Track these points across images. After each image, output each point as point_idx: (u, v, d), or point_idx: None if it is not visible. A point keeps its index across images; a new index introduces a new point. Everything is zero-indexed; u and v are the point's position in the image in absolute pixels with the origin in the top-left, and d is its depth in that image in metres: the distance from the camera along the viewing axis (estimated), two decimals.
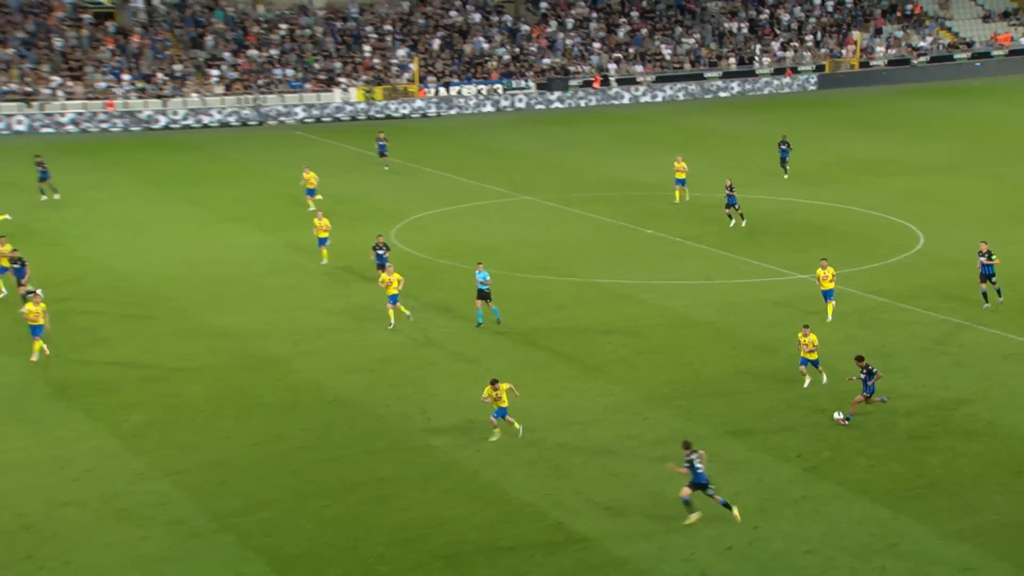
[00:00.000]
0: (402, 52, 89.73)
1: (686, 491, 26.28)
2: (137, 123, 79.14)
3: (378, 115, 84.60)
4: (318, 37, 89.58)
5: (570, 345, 38.01)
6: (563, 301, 42.65)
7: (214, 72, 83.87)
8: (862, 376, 31.05)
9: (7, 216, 50.52)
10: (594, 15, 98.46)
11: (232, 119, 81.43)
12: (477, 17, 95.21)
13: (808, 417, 31.99)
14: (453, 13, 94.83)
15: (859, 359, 31.31)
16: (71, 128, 77.51)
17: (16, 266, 41.61)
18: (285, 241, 50.50)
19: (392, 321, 38.91)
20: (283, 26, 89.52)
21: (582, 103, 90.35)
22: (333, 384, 34.98)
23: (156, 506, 27.64)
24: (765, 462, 29.81)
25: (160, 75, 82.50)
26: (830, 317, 39.24)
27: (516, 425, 30.90)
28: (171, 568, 25.12)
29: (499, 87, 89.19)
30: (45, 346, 36.32)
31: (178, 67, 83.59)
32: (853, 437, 30.81)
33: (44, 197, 56.37)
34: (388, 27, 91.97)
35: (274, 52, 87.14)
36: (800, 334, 33.59)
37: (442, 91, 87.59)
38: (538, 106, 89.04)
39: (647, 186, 57.97)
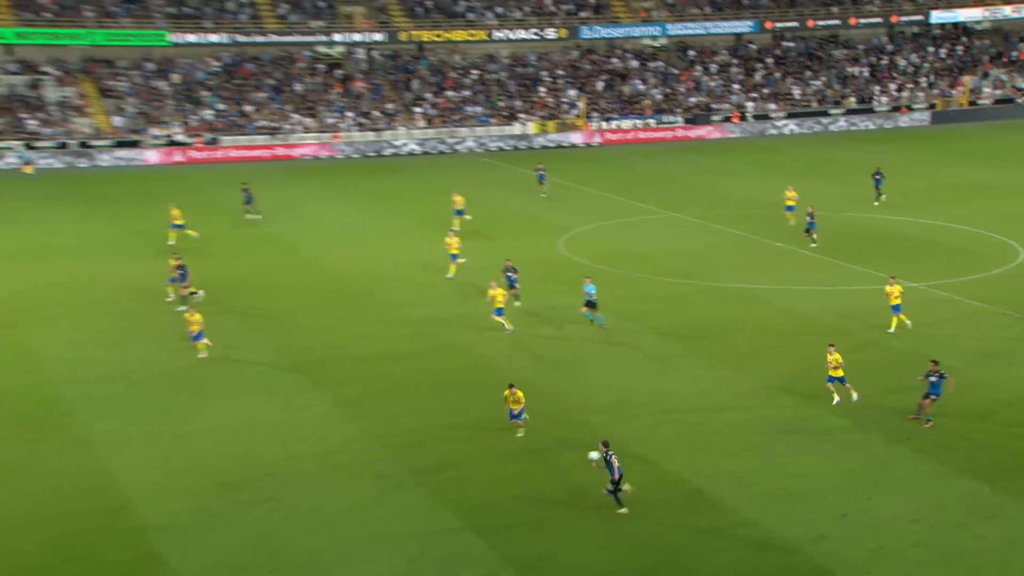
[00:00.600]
0: (571, 92, 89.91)
1: (610, 487, 25.57)
2: (357, 151, 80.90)
3: (550, 144, 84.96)
4: (503, 80, 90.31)
5: (707, 339, 37.74)
6: (702, 302, 42.35)
7: (418, 110, 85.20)
8: (933, 379, 29.75)
9: (195, 233, 51.00)
10: (734, 61, 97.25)
11: (431, 148, 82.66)
12: (635, 63, 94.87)
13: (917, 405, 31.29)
14: (614, 60, 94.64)
15: (934, 363, 30.12)
16: (307, 155, 79.61)
17: (180, 272, 41.23)
18: (475, 248, 50.93)
19: (509, 327, 38.30)
20: (474, 72, 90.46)
21: (722, 135, 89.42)
22: (509, 367, 35.28)
23: (366, 462, 28.33)
24: (878, 442, 29.23)
25: (376, 112, 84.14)
26: (892, 329, 37.64)
27: (526, 416, 30.01)
28: (379, 512, 25.74)
29: (652, 121, 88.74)
30: (208, 342, 36.05)
31: (390, 106, 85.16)
32: (957, 423, 29.98)
33: (248, 217, 56.46)
34: (560, 72, 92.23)
35: (466, 93, 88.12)
36: (827, 353, 31.89)
37: (604, 124, 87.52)
38: (685, 137, 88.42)
39: (776, 205, 57.06)
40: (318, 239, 53.31)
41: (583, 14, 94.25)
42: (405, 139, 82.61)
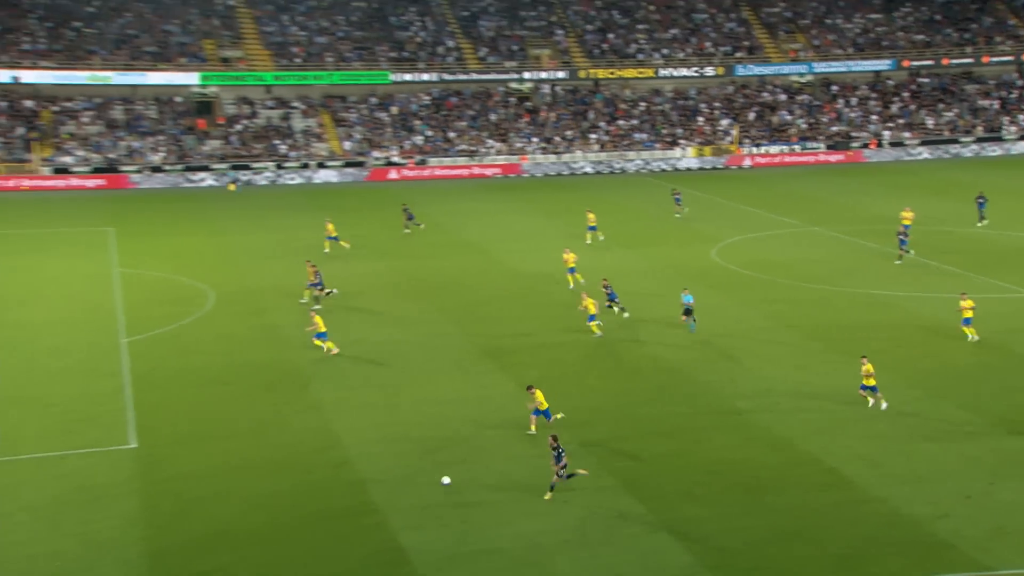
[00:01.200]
0: (725, 121, 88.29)
1: (556, 479, 24.59)
2: (540, 171, 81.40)
3: (706, 166, 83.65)
4: (666, 111, 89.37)
5: (842, 339, 36.51)
6: (839, 306, 41.00)
7: (593, 136, 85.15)
8: None
9: (347, 244, 50.54)
10: (873, 95, 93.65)
11: (603, 169, 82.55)
12: (783, 97, 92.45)
13: None
14: (765, 94, 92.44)
15: None
16: (498, 174, 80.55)
17: (316, 278, 40.88)
18: (640, 254, 50.80)
19: (598, 332, 37.05)
20: (642, 104, 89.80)
21: (860, 160, 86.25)
22: (667, 357, 34.94)
23: (544, 434, 28.51)
24: (999, 433, 27.79)
25: (557, 138, 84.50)
26: (970, 338, 35.42)
27: (559, 415, 28.83)
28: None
29: (797, 147, 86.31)
30: (330, 345, 35.02)
31: (568, 133, 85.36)
32: None
33: (407, 231, 55.47)
34: (717, 104, 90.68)
35: (634, 122, 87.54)
36: (860, 364, 30.08)
37: (754, 149, 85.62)
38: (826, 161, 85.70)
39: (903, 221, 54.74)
40: (505, 244, 53.75)
41: (738, 54, 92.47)
42: (581, 161, 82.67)
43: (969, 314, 35.62)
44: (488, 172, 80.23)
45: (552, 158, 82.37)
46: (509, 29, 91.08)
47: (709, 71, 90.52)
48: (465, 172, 79.74)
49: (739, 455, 26.69)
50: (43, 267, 47.74)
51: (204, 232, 56.68)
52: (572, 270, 43.71)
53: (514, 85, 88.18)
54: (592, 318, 37.18)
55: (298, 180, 76.70)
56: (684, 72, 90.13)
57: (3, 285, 44.24)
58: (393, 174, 78.44)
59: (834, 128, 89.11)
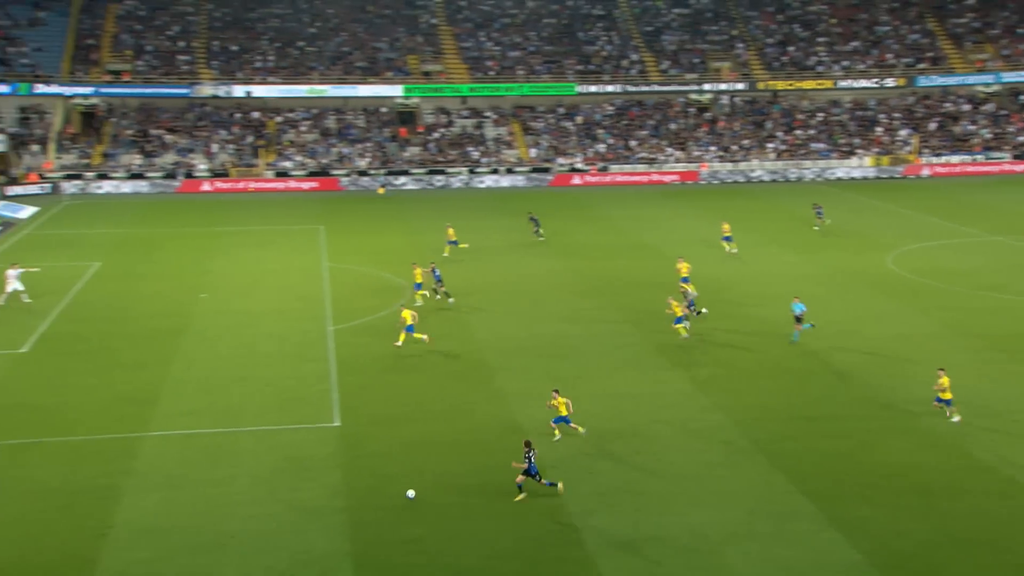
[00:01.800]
0: (904, 132, 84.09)
1: (520, 478, 23.56)
2: (716, 179, 79.98)
3: (883, 175, 79.92)
4: (844, 122, 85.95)
5: (1020, 348, 34.31)
6: (1012, 312, 38.39)
7: (770, 145, 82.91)
8: None
9: (466, 244, 50.20)
10: None
11: (779, 177, 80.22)
12: (967, 107, 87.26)
13: None
14: (947, 104, 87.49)
15: None
16: (675, 181, 79.63)
17: (436, 277, 41.13)
18: (814, 260, 49.11)
19: (685, 335, 35.94)
20: (820, 114, 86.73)
21: None
22: (840, 360, 33.62)
23: (714, 430, 28.00)
24: None
25: (734, 147, 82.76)
26: None
27: (581, 429, 27.53)
28: (722, 471, 25.40)
29: (980, 157, 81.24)
30: (418, 336, 35.08)
31: (745, 142, 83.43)
32: None
33: (539, 238, 54.18)
34: (896, 115, 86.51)
35: (812, 132, 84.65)
36: (937, 377, 28.14)
37: (933, 159, 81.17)
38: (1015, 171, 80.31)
39: None
40: (682, 248, 52.88)
41: (921, 65, 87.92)
42: (758, 169, 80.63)
43: None
44: (667, 179, 79.46)
45: (729, 166, 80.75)
46: (691, 43, 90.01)
47: (890, 82, 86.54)
48: (644, 179, 79.29)
49: (912, 459, 25.44)
50: (263, 261, 50.46)
51: (402, 231, 58.52)
52: (686, 279, 41.94)
53: (694, 96, 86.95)
54: (679, 320, 36.19)
55: (487, 184, 78.11)
56: (864, 84, 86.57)
57: (230, 277, 47.07)
58: (576, 180, 78.77)
59: (1021, 138, 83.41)
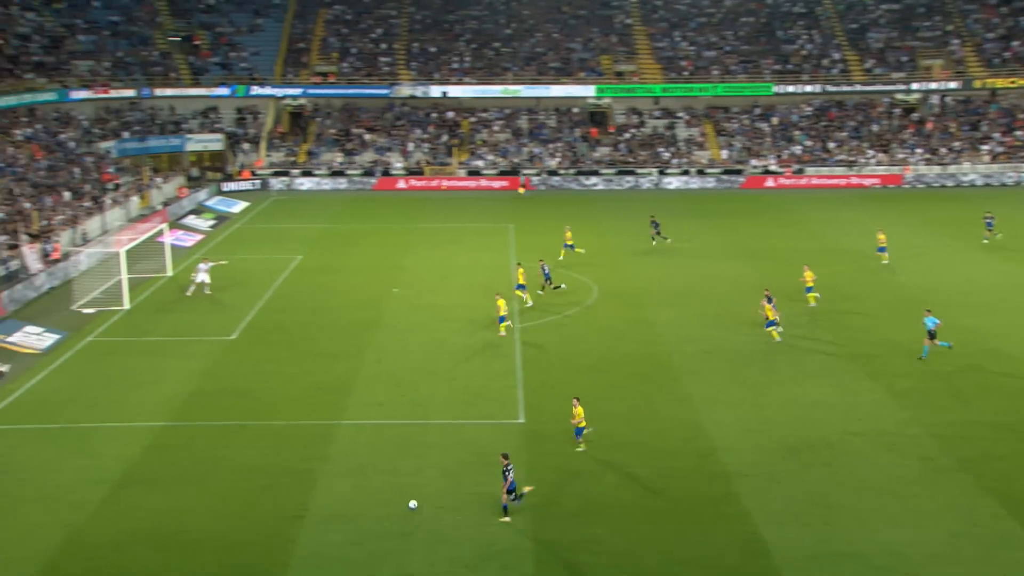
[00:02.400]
0: None
1: (504, 497, 22.05)
2: (921, 182, 75.85)
3: None
4: None
5: None
6: None
7: (984, 147, 77.82)
8: None
9: (582, 250, 49.86)
10: None
11: (994, 181, 75.19)
12: None
13: None
14: None
15: None
16: (875, 184, 76.18)
17: (544, 273, 42.98)
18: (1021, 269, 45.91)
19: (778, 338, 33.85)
20: None
21: None
22: None
23: (913, 445, 26.70)
24: None
25: (943, 149, 78.22)
26: None
27: (581, 447, 26.61)
28: (920, 489, 24.20)
29: None
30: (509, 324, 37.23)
31: (956, 144, 78.67)
32: None
33: (655, 243, 53.21)
34: None
35: None
36: None
37: None
38: None
39: None
40: (881, 254, 50.61)
41: None
42: (970, 173, 75.85)
43: None
44: (867, 182, 76.07)
45: (937, 169, 76.41)
46: (899, 40, 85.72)
47: None
48: (843, 182, 76.22)
49: None
50: (454, 257, 51.83)
51: (592, 232, 58.67)
52: (810, 289, 40.31)
53: (900, 96, 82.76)
54: (771, 323, 35.52)
55: (674, 185, 77.19)
56: None
57: (421, 272, 48.64)
58: (770, 182, 76.66)
59: None
